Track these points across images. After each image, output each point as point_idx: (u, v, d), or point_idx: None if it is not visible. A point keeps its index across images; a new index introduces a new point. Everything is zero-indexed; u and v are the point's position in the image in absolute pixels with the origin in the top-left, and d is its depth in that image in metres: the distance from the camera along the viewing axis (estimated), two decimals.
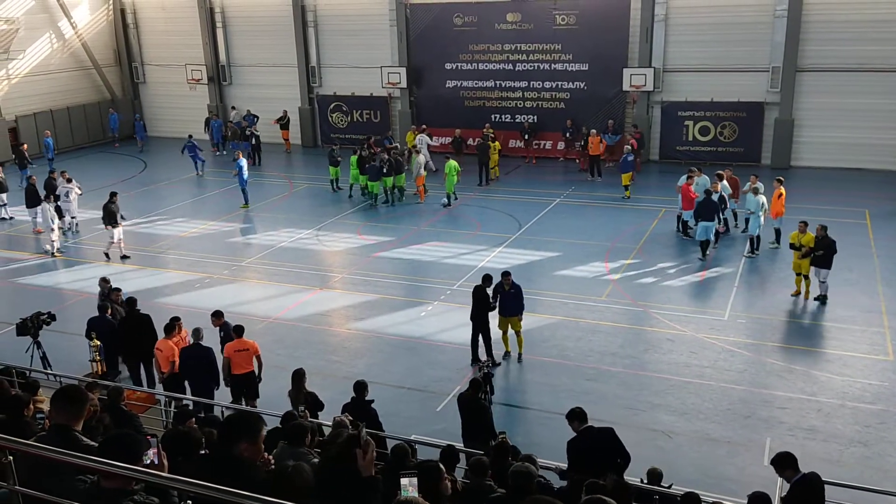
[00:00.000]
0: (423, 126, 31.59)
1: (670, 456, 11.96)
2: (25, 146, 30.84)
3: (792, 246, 17.73)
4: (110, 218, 21.41)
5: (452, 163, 26.03)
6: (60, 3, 35.98)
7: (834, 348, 15.39)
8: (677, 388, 14.15)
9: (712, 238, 20.38)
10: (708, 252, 20.32)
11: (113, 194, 21.82)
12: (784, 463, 8.40)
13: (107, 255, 21.65)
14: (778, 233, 20.83)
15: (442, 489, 5.93)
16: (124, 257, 21.72)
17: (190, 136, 31.83)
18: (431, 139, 30.30)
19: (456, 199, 26.12)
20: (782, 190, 20.60)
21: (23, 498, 4.33)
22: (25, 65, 35.05)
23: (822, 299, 17.38)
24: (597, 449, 8.99)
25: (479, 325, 15.02)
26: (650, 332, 16.51)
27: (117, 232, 21.59)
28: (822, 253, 16.97)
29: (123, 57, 39.59)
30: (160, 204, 27.07)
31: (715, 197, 20.54)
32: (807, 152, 28.83)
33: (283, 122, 35.07)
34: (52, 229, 22.20)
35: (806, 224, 17.51)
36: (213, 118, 36.21)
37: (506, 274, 15.15)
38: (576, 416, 9.23)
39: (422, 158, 26.40)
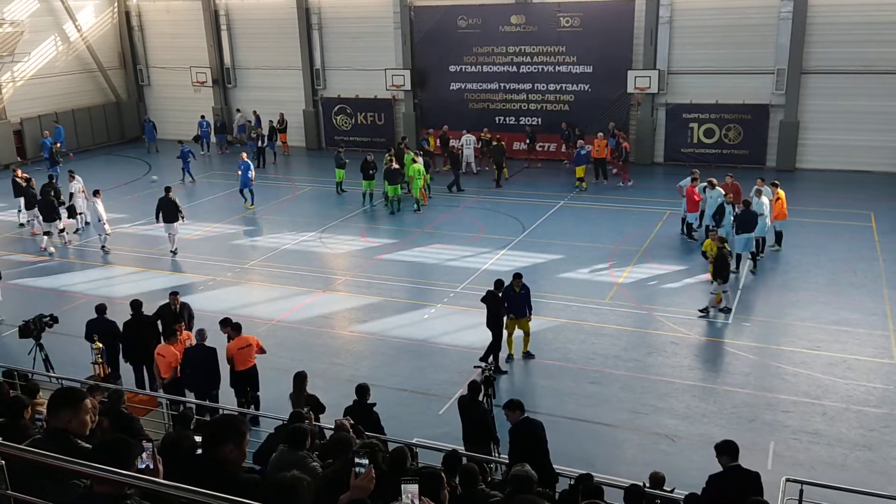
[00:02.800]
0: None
1: (673, 460, 11.90)
2: (58, 144, 31.14)
3: (704, 255, 17.75)
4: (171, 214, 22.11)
5: (417, 166, 25.76)
6: (65, 5, 36.12)
7: (838, 351, 15.29)
8: (681, 392, 14.09)
9: (753, 250, 19.59)
10: (736, 268, 19.36)
11: (168, 189, 22.45)
12: (723, 449, 8.80)
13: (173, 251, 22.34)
14: (779, 235, 20.77)
15: (442, 497, 5.88)
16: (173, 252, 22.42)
17: (181, 142, 31.64)
18: (478, 142, 30.42)
19: (419, 207, 25.79)
20: (781, 193, 20.48)
21: (16, 502, 4.30)
22: (30, 67, 35.16)
23: (704, 312, 17.11)
24: (534, 437, 9.76)
25: (497, 330, 14.95)
26: (654, 336, 16.45)
27: (172, 227, 22.22)
28: (716, 264, 16.83)
29: (128, 59, 39.71)
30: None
31: (714, 199, 20.51)
32: (812, 154, 28.73)
33: (282, 127, 35.12)
34: (103, 224, 22.51)
35: (716, 232, 17.59)
36: (202, 118, 36.37)
37: (517, 276, 15.15)
38: (516, 407, 9.82)
39: (420, 161, 26.30)
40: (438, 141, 30.98)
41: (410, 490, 4.42)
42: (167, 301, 15.02)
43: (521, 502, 6.53)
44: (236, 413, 12.09)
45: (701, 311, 17.13)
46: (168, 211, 21.95)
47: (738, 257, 19.23)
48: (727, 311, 17.16)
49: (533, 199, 26.63)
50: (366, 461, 4.35)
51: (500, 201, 26.65)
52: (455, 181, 27.93)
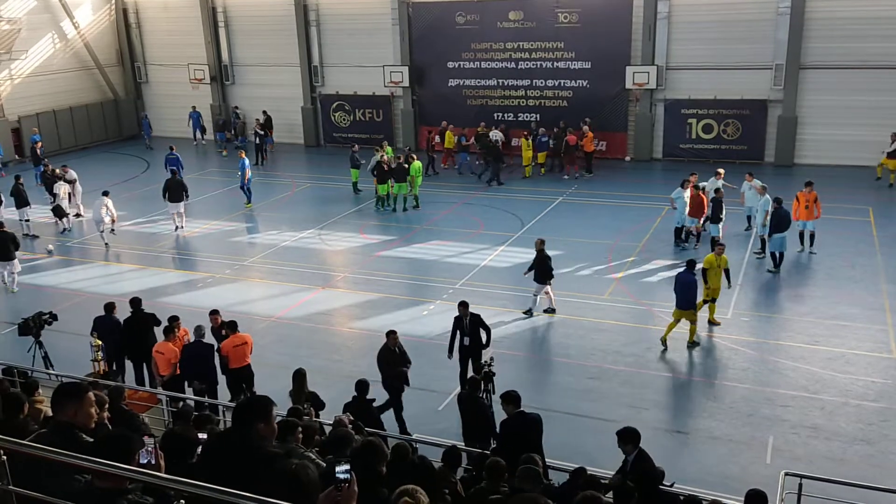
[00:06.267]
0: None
1: (673, 455, 11.93)
2: (39, 143, 31.06)
3: (705, 272, 15.89)
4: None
5: (417, 164, 25.83)
6: (63, 3, 36.04)
7: (837, 346, 15.33)
8: (680, 387, 14.14)
9: (786, 250, 19.20)
10: (775, 267, 19.23)
11: (174, 171, 24.28)
12: (627, 438, 9.00)
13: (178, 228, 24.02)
14: (811, 236, 20.41)
15: (440, 494, 5.89)
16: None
17: (171, 148, 29.15)
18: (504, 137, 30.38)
19: (417, 204, 25.79)
20: (799, 194, 20.37)
21: (18, 496, 4.31)
22: (28, 65, 35.11)
23: (528, 313, 17.19)
24: (525, 432, 9.70)
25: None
26: (653, 331, 16.43)
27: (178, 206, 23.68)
28: (537, 267, 16.88)
29: (126, 57, 39.66)
30: (163, 203, 26.98)
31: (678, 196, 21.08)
32: (810, 150, 28.74)
33: (265, 121, 34.91)
34: (104, 222, 22.74)
35: (724, 246, 16.41)
36: (192, 110, 36.67)
37: (693, 263, 15.51)
38: (511, 400, 9.85)
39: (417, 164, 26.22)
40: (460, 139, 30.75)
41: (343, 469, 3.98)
42: (385, 342, 13.62)
43: (523, 500, 6.55)
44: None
45: (525, 311, 17.27)
46: (174, 191, 23.57)
47: (776, 256, 19.09)
48: (552, 311, 17.27)
49: (531, 195, 26.64)
50: (346, 467, 3.90)
51: (499, 197, 26.65)
52: (494, 175, 28.08)
